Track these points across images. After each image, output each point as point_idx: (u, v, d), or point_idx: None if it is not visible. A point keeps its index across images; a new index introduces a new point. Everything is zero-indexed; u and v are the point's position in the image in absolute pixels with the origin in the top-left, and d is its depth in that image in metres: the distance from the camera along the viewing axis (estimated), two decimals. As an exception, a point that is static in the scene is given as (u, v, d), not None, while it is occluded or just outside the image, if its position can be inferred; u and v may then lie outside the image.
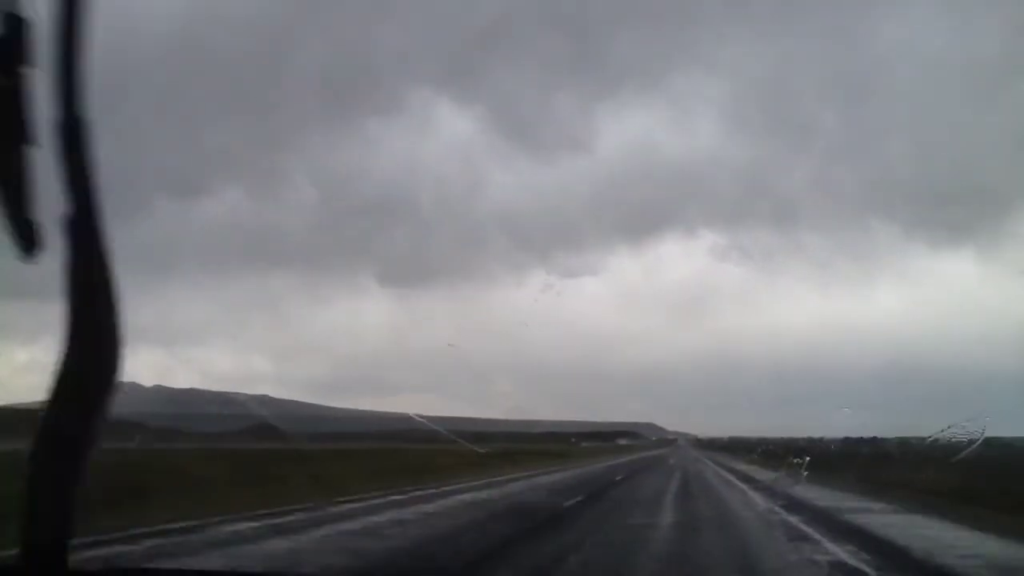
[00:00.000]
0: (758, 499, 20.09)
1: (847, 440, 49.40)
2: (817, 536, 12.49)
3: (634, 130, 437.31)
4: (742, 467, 41.98)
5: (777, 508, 17.12)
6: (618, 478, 30.31)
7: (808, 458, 27.70)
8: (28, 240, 1.69)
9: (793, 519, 14.91)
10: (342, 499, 17.90)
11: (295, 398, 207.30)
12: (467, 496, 20.30)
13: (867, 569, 9.46)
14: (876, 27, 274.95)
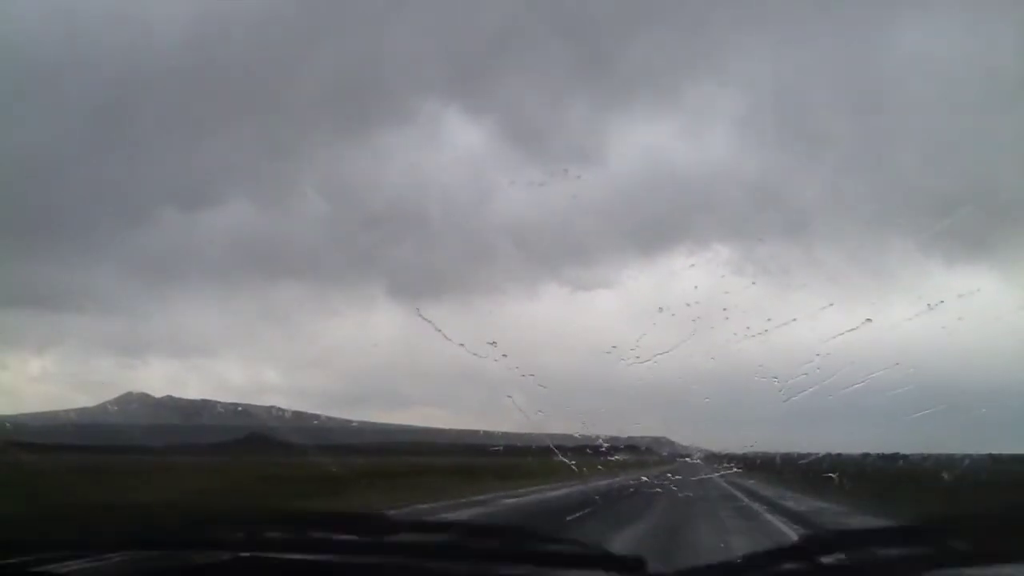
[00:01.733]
0: None
1: (866, 456, 48.60)
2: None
3: (646, 141, 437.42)
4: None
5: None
6: None
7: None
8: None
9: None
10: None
11: (305, 410, 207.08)
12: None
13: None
14: (892, 38, 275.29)
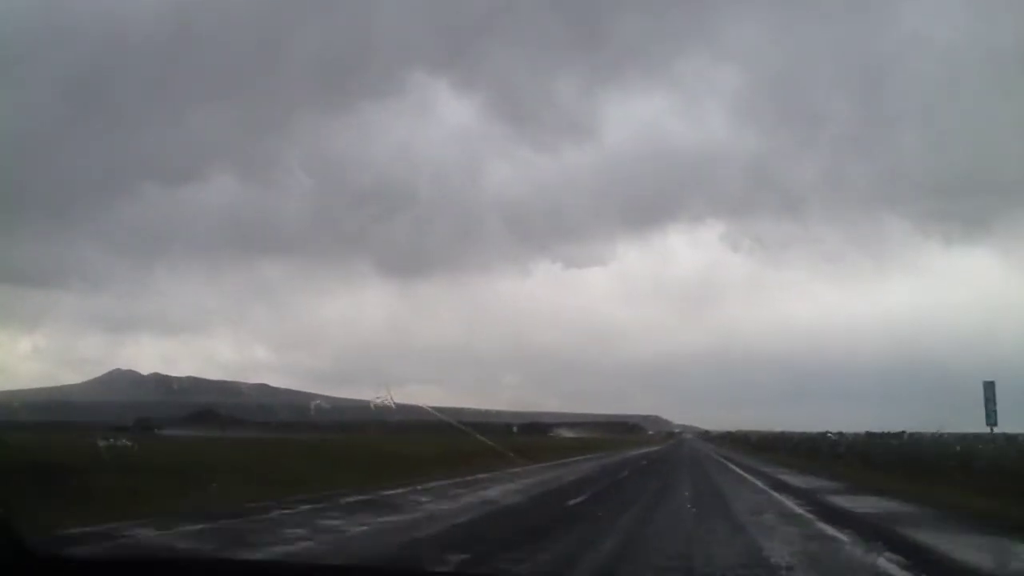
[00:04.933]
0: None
1: (870, 434, 47.47)
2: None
3: (639, 117, 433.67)
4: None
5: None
6: None
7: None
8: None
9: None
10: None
11: (295, 387, 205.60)
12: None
13: None
14: (892, 14, 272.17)
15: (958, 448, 24.56)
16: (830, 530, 11.20)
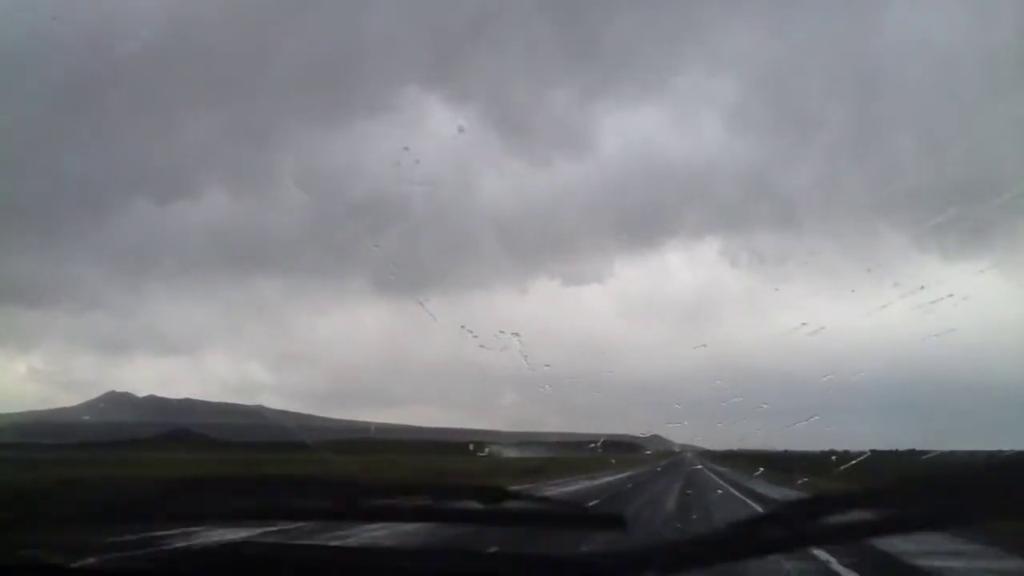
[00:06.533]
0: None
1: (875, 452, 46.85)
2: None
3: (634, 129, 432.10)
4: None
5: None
6: None
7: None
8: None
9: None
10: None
11: (293, 409, 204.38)
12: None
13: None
14: (886, 20, 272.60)
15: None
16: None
